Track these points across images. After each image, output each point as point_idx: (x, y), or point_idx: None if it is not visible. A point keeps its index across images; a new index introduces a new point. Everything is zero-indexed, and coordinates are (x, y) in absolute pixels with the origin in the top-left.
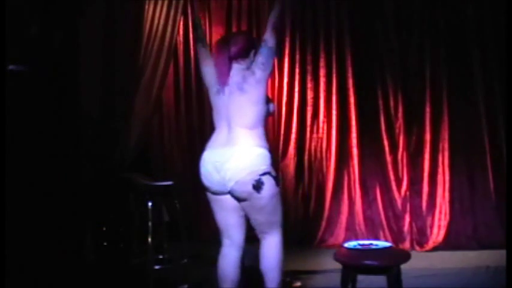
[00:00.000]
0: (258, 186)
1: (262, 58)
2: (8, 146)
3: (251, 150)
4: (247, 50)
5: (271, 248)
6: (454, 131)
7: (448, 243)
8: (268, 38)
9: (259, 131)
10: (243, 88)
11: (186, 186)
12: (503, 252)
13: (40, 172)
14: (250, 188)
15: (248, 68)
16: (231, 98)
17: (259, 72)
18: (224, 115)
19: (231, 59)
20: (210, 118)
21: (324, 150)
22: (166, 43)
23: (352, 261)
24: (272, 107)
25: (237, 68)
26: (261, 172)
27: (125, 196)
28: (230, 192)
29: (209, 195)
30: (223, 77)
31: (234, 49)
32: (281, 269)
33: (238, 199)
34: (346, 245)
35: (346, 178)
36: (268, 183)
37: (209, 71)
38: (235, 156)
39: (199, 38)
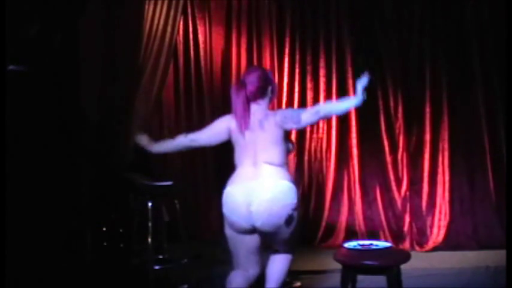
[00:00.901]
0: (289, 220)
1: (285, 117)
2: (8, 146)
3: (281, 184)
4: (264, 88)
5: (282, 260)
6: (454, 131)
7: (448, 243)
8: (306, 116)
9: (284, 167)
10: (263, 126)
11: (186, 186)
12: (503, 252)
13: (40, 172)
14: (282, 221)
15: (267, 106)
16: (254, 136)
17: (279, 120)
18: (249, 152)
19: (249, 100)
20: (210, 118)
21: (324, 150)
22: (166, 43)
23: (352, 261)
24: (291, 146)
25: (257, 108)
26: (293, 206)
27: (125, 196)
28: (257, 227)
29: (231, 234)
30: (244, 122)
31: (251, 88)
32: (285, 276)
33: (264, 233)
34: (346, 245)
35: (346, 178)
36: (297, 217)
37: (218, 134)
38: (266, 189)
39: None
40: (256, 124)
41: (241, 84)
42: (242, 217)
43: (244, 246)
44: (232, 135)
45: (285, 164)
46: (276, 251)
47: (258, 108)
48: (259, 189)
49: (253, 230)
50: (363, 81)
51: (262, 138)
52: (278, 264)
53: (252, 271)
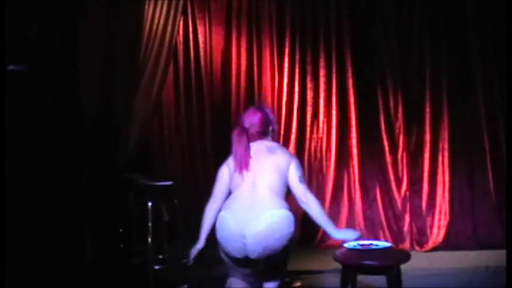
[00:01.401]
0: (285, 250)
1: (297, 168)
2: (8, 146)
3: (277, 214)
4: (266, 131)
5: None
6: (454, 131)
7: (448, 243)
8: (298, 190)
9: (282, 196)
10: (271, 149)
11: (186, 186)
12: (503, 252)
13: (40, 172)
14: (277, 252)
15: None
16: (257, 157)
17: (293, 164)
18: (249, 178)
19: (250, 142)
20: (210, 118)
21: (324, 150)
22: (166, 43)
23: (352, 261)
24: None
25: (261, 141)
26: (289, 236)
27: (125, 196)
28: (251, 259)
29: (224, 258)
30: (245, 164)
31: (252, 131)
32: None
33: (259, 261)
34: (346, 245)
35: (346, 178)
36: (293, 246)
37: (228, 183)
38: (262, 221)
39: None
40: (264, 149)
41: (242, 129)
42: (236, 248)
43: (239, 271)
44: (230, 177)
45: (284, 193)
46: (267, 278)
47: (262, 141)
48: (255, 221)
49: (247, 260)
50: (349, 238)
51: (266, 161)
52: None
53: (253, 282)
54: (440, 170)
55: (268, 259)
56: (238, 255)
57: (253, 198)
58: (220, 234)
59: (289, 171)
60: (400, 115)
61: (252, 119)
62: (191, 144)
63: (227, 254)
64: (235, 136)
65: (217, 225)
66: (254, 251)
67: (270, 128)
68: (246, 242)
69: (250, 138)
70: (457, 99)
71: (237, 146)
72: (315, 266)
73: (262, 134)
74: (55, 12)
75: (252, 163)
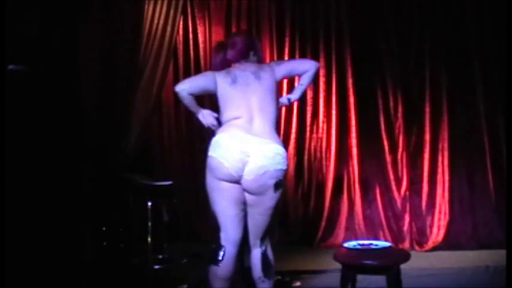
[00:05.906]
0: (278, 184)
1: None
2: (8, 146)
3: (278, 147)
4: (246, 52)
5: (264, 257)
6: (454, 131)
7: (448, 243)
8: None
9: (275, 127)
10: (259, 76)
11: (186, 186)
12: (502, 252)
13: (40, 172)
14: (272, 183)
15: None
16: (250, 88)
17: (274, 64)
18: (243, 105)
19: (228, 62)
20: None
21: (323, 150)
22: (166, 43)
23: (352, 261)
24: (286, 100)
25: (246, 65)
26: (283, 172)
27: (125, 196)
28: (247, 182)
29: (213, 183)
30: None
31: (231, 53)
32: (274, 274)
33: (250, 191)
34: (346, 244)
35: (346, 178)
36: (283, 185)
37: (207, 83)
38: (266, 147)
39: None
40: (251, 77)
41: (221, 46)
42: (233, 166)
43: (226, 197)
44: (222, 89)
45: (275, 124)
46: (256, 242)
47: (248, 65)
48: (258, 143)
49: (238, 181)
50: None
51: (259, 90)
52: (264, 261)
53: (234, 234)
54: (440, 170)
55: (258, 190)
56: (232, 173)
57: (252, 126)
58: (217, 152)
59: (275, 74)
60: (400, 115)
61: (234, 39)
62: (191, 144)
63: (219, 173)
64: (213, 52)
65: (214, 144)
66: (252, 172)
67: (252, 52)
68: (247, 160)
69: (230, 57)
70: (457, 99)
71: (213, 63)
72: (315, 266)
73: (241, 54)
74: (55, 12)
75: (245, 86)
